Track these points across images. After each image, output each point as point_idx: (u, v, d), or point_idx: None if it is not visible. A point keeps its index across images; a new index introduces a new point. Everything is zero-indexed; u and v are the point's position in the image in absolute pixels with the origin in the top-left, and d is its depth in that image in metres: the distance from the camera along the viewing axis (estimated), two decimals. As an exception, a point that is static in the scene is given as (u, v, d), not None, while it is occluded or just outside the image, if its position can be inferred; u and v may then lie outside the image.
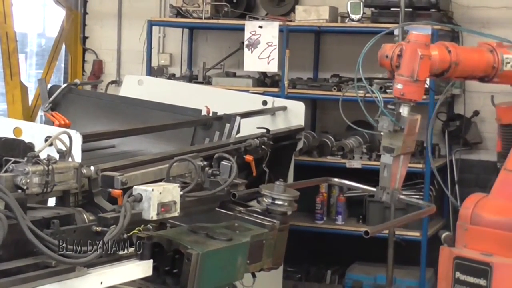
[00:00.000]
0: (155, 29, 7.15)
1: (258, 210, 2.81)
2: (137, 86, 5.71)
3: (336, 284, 6.58)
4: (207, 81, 6.75)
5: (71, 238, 2.27)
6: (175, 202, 2.52)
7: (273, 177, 4.97)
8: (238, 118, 4.85)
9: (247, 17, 6.64)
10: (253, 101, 5.59)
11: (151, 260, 2.49)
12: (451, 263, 3.56)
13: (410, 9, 6.11)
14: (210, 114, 4.94)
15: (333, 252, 6.73)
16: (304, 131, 5.70)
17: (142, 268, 2.47)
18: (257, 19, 6.59)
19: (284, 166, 5.51)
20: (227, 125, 4.83)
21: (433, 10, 6.21)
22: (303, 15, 6.46)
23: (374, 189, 3.76)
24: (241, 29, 6.41)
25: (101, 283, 2.32)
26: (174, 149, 4.45)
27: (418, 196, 6.26)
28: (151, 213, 2.46)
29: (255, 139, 4.55)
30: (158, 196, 2.46)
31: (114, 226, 2.36)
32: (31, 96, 7.11)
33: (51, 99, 5.18)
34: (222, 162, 2.93)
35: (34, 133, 3.27)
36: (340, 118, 6.98)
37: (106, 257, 2.39)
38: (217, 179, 2.93)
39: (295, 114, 5.56)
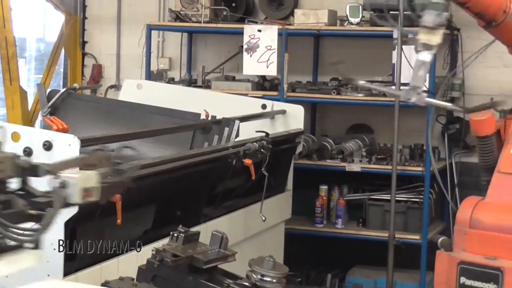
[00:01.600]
0: (154, 33, 7.15)
1: (247, 284, 2.82)
2: (137, 91, 5.72)
3: (336, 287, 6.57)
4: (206, 85, 6.75)
5: (12, 221, 2.53)
6: (95, 188, 2.76)
7: (272, 181, 4.98)
8: (237, 122, 4.85)
9: (246, 21, 6.64)
10: (252, 105, 5.59)
11: (42, 250, 2.62)
12: (454, 268, 3.53)
13: (409, 12, 6.09)
14: (209, 118, 4.94)
15: (333, 255, 6.72)
16: (304, 134, 5.70)
17: (32, 257, 2.61)
18: (256, 23, 6.59)
19: (283, 169, 5.51)
20: (226, 129, 4.83)
21: (432, 13, 6.19)
22: (302, 19, 6.46)
23: (399, 91, 3.69)
24: (240, 33, 6.42)
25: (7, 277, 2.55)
26: (173, 153, 4.46)
27: (417, 200, 6.26)
28: (76, 198, 2.68)
29: (254, 143, 4.55)
30: (81, 182, 2.69)
31: (49, 208, 2.60)
32: (30, 101, 7.11)
33: (50, 103, 5.18)
34: (213, 232, 2.96)
35: (32, 138, 3.27)
36: (340, 121, 7.05)
37: None
38: (120, 167, 3.05)
39: (294, 117, 5.55)
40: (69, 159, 3.02)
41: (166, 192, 4.09)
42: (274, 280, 2.81)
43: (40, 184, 2.76)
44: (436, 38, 3.58)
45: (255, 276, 2.80)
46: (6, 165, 2.64)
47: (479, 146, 4.21)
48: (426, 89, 5.99)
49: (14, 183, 2.73)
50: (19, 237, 2.53)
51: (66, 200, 2.69)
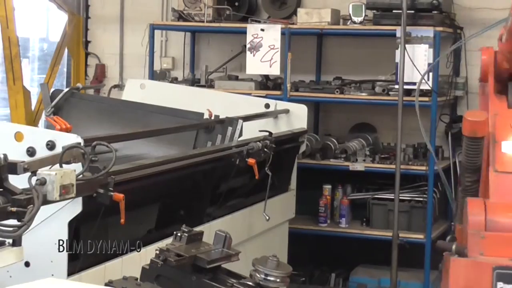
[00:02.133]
0: (157, 33, 7.15)
1: (251, 284, 2.81)
2: (140, 90, 5.71)
3: (340, 287, 6.57)
4: (209, 85, 6.75)
5: None
6: (72, 185, 2.86)
7: (275, 181, 4.98)
8: (240, 121, 4.85)
9: (249, 20, 6.64)
10: (256, 104, 5.59)
11: (22, 246, 2.70)
12: (485, 274, 3.49)
13: (412, 11, 6.10)
14: (213, 118, 4.94)
15: (337, 255, 6.72)
16: (307, 134, 5.70)
17: (15, 254, 2.69)
18: (259, 22, 6.59)
19: (287, 169, 5.51)
20: (230, 129, 4.82)
21: (435, 12, 6.20)
22: (305, 18, 6.45)
23: None
24: (243, 32, 6.41)
25: None
26: (176, 152, 4.46)
27: (421, 199, 6.26)
28: (55, 195, 2.77)
29: (258, 142, 4.55)
30: (59, 179, 2.78)
31: (31, 205, 2.67)
32: (34, 101, 7.11)
33: (53, 103, 5.17)
34: (217, 232, 2.96)
35: (36, 137, 3.27)
36: (343, 121, 7.04)
37: None
38: (96, 164, 3.17)
39: (297, 117, 5.55)
40: (45, 156, 3.07)
41: (170, 191, 4.09)
42: (278, 280, 2.81)
43: (17, 182, 2.79)
44: None
45: (258, 275, 2.80)
46: None
47: (470, 146, 4.19)
48: (429, 88, 6.01)
49: None
50: (2, 233, 2.57)
51: (46, 197, 2.75)
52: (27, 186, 2.77)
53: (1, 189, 2.74)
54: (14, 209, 2.69)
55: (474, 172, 3.99)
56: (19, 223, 2.63)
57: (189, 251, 2.80)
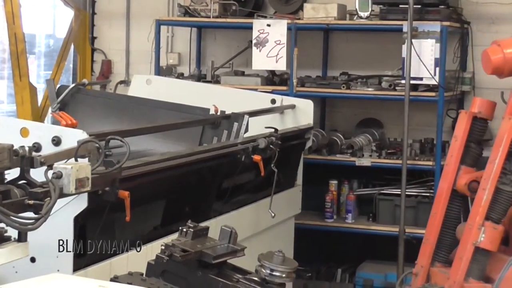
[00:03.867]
0: (163, 28, 7.15)
1: (256, 279, 2.81)
2: (146, 86, 5.71)
3: (346, 282, 6.56)
4: (215, 80, 6.74)
5: (11, 211, 2.61)
6: (88, 178, 2.89)
7: (281, 177, 4.97)
8: (246, 117, 4.84)
9: (255, 15, 6.63)
10: (262, 99, 5.58)
11: (27, 242, 2.71)
12: None
13: (419, 6, 6.08)
14: (219, 113, 4.93)
15: (343, 250, 6.71)
16: (313, 129, 5.69)
17: (21, 250, 2.70)
18: (265, 17, 6.57)
19: (292, 165, 5.50)
20: (235, 124, 4.81)
21: (442, 6, 6.18)
22: (311, 13, 6.44)
23: None
24: (249, 27, 6.40)
25: None
26: (182, 148, 4.46)
27: (428, 194, 6.24)
28: (71, 188, 2.80)
29: (264, 139, 4.53)
30: (75, 173, 2.81)
31: (48, 198, 2.71)
32: (40, 97, 7.12)
33: (59, 99, 5.17)
34: (222, 227, 2.95)
35: (41, 133, 3.27)
36: (349, 116, 7.03)
37: None
38: (110, 159, 3.17)
39: (304, 112, 5.54)
40: (61, 150, 3.08)
41: (175, 187, 4.08)
42: (284, 275, 2.81)
43: (37, 175, 2.83)
44: None
45: (264, 270, 2.80)
46: (3, 155, 2.70)
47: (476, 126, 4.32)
48: (436, 83, 5.99)
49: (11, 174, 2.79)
50: (21, 226, 2.59)
51: (62, 190, 2.78)
52: (43, 179, 2.81)
53: (23, 181, 2.79)
54: (31, 201, 2.73)
55: None
56: (36, 215, 2.67)
57: (194, 247, 2.80)
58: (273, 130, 4.74)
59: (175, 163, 3.85)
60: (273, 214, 4.79)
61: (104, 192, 3.22)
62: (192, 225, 2.89)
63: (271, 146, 4.55)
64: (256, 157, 4.41)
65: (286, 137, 4.95)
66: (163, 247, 2.81)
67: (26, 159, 2.81)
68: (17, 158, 2.79)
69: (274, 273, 2.80)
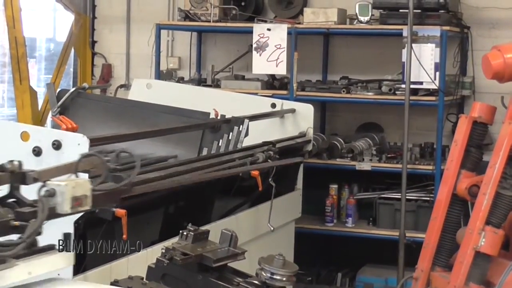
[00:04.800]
0: (163, 32, 7.16)
1: (257, 283, 2.80)
2: (146, 90, 5.72)
3: (347, 286, 6.56)
4: (216, 84, 6.74)
5: None
6: (86, 196, 2.58)
7: (280, 190, 4.95)
8: (246, 121, 4.84)
9: (256, 20, 6.64)
10: (262, 104, 5.58)
11: (72, 252, 2.55)
12: None
13: (419, 11, 6.08)
14: (219, 117, 4.93)
15: (343, 254, 6.71)
16: (314, 133, 5.69)
17: (65, 258, 2.53)
18: (265, 21, 6.58)
19: (291, 179, 5.48)
20: (236, 128, 4.82)
21: (442, 11, 6.19)
22: (312, 17, 6.44)
23: None
24: (250, 32, 6.41)
25: (29, 273, 2.39)
26: (183, 152, 4.46)
27: (428, 198, 6.24)
28: (65, 207, 2.51)
29: (261, 153, 4.52)
30: (71, 191, 2.52)
31: (33, 220, 2.42)
32: (40, 101, 7.12)
33: (60, 103, 5.18)
34: (223, 230, 2.94)
35: (42, 137, 3.27)
36: (350, 120, 7.03)
37: (30, 249, 2.44)
38: (119, 173, 3.01)
39: (304, 116, 5.55)
40: (60, 165, 2.91)
41: (175, 194, 4.08)
42: (284, 279, 2.80)
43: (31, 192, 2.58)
44: None
45: (264, 274, 2.79)
46: None
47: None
48: (436, 87, 6.00)
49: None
50: None
51: (55, 210, 2.53)
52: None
53: (11, 200, 2.54)
54: (17, 223, 2.45)
55: None
56: (16, 240, 2.39)
57: (195, 250, 2.79)
58: (270, 144, 4.73)
59: (174, 170, 3.84)
60: (272, 228, 4.80)
61: (100, 211, 3.18)
62: (192, 229, 2.88)
63: (269, 160, 4.54)
64: (254, 172, 4.39)
65: (284, 150, 4.94)
66: (163, 251, 2.80)
67: (16, 175, 2.56)
68: (4, 174, 2.55)
69: (274, 276, 2.80)
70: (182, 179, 3.83)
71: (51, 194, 2.51)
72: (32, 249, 2.47)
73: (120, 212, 3.18)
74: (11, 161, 2.61)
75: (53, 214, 2.50)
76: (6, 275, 2.31)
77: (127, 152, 2.95)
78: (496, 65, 4.21)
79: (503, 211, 4.06)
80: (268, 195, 4.85)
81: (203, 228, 2.96)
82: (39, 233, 2.45)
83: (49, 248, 2.51)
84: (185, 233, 2.88)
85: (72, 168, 2.77)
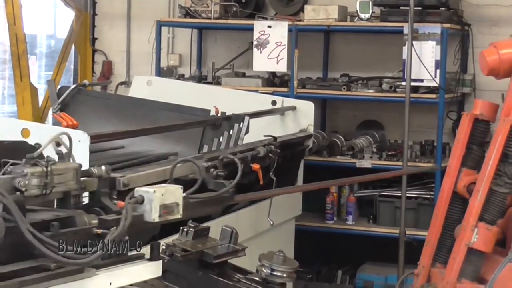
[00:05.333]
0: (164, 29, 7.15)
1: (257, 279, 2.80)
2: (146, 87, 5.71)
3: (347, 284, 6.56)
4: (216, 82, 6.74)
5: (71, 240, 2.22)
6: (177, 204, 2.46)
7: (281, 185, 4.94)
8: (247, 118, 4.84)
9: (256, 17, 6.63)
10: (262, 101, 5.58)
11: (160, 261, 2.47)
12: None
13: (420, 8, 6.08)
14: (219, 114, 4.93)
15: (343, 252, 6.71)
16: (314, 131, 5.69)
17: (151, 269, 2.45)
18: (266, 19, 6.58)
19: (291, 173, 5.48)
20: (236, 125, 4.81)
21: (443, 8, 6.18)
22: (312, 15, 6.44)
23: None
24: (250, 29, 6.40)
25: (110, 284, 2.30)
26: (184, 149, 4.45)
27: (428, 196, 6.25)
28: (153, 215, 2.41)
29: (262, 147, 4.52)
30: (160, 198, 2.41)
31: (114, 228, 2.32)
32: (41, 98, 7.12)
33: (60, 100, 5.18)
34: (223, 227, 2.92)
35: (42, 134, 3.26)
36: (350, 118, 7.03)
37: (114, 258, 2.38)
38: (222, 180, 2.90)
39: (304, 114, 5.54)
40: (152, 170, 2.78)
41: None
42: (284, 275, 2.81)
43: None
44: None
45: (265, 270, 2.80)
46: (67, 176, 2.37)
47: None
48: (437, 84, 6.00)
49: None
50: (67, 259, 2.17)
51: (142, 218, 2.41)
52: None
53: (97, 207, 2.48)
54: (99, 231, 2.34)
55: None
56: (94, 248, 2.26)
57: (195, 246, 2.79)
58: (271, 138, 4.72)
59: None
60: (271, 222, 4.80)
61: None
62: (193, 225, 2.88)
63: (270, 154, 4.54)
64: (255, 166, 4.39)
65: (285, 145, 4.93)
66: (163, 247, 2.79)
67: (103, 180, 2.49)
68: (91, 179, 2.49)
69: (275, 272, 2.80)
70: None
71: (139, 201, 2.40)
72: (119, 258, 2.37)
73: (121, 204, 3.15)
74: (99, 166, 2.54)
75: (139, 222, 2.39)
76: (84, 285, 2.22)
77: (230, 158, 2.69)
78: (491, 61, 4.21)
79: (496, 208, 4.05)
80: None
81: (204, 225, 2.97)
82: (124, 242, 2.34)
83: (138, 257, 2.42)
84: (185, 229, 2.87)
85: (165, 174, 2.69)
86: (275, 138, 4.74)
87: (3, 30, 7.09)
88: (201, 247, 2.80)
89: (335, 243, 6.71)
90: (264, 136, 4.79)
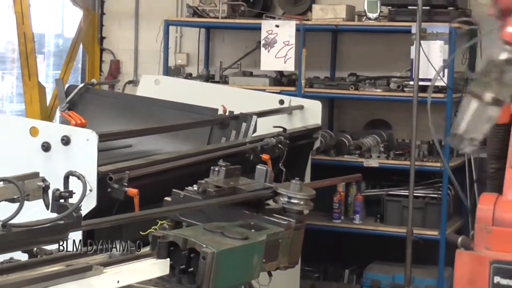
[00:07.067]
0: (172, 29, 7.16)
1: (275, 208, 2.78)
2: (154, 86, 5.72)
3: (354, 283, 6.56)
4: (224, 81, 6.75)
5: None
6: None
7: (290, 177, 4.96)
8: (254, 117, 4.84)
9: (264, 16, 6.63)
10: (270, 100, 5.58)
11: (168, 259, 2.49)
12: (484, 268, 3.49)
13: (428, 7, 6.07)
14: (227, 114, 4.94)
15: (350, 251, 6.71)
16: (321, 130, 5.69)
17: (159, 267, 2.47)
18: (273, 18, 6.58)
19: (301, 165, 5.49)
20: (244, 124, 4.82)
21: (451, 8, 6.18)
22: (320, 14, 6.44)
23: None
24: (258, 28, 6.41)
25: (118, 281, 2.32)
26: (190, 148, 4.46)
27: (436, 195, 6.24)
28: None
29: (272, 138, 4.54)
30: None
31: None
32: (49, 97, 7.14)
33: (68, 99, 5.19)
34: (258, 166, 2.92)
35: (51, 132, 3.28)
36: (358, 117, 7.02)
37: (122, 256, 2.40)
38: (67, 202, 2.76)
39: (312, 113, 5.54)
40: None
41: (183, 186, 4.08)
42: (302, 202, 2.79)
43: None
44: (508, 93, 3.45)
45: (282, 199, 2.78)
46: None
47: (492, 132, 4.23)
48: (445, 84, 5.99)
49: None
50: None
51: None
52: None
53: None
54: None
55: (498, 159, 3.97)
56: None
57: (228, 183, 2.77)
58: (281, 129, 4.74)
59: (183, 162, 3.85)
60: None
61: (113, 190, 3.19)
62: (223, 164, 2.86)
63: (279, 145, 4.55)
64: (265, 156, 4.41)
65: (294, 136, 4.95)
66: (196, 187, 2.76)
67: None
68: None
69: (292, 200, 2.78)
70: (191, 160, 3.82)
71: None
72: (128, 256, 2.43)
73: (132, 191, 3.18)
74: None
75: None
76: (92, 283, 2.25)
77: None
78: None
79: None
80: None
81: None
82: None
83: (145, 255, 2.47)
84: (216, 169, 2.85)
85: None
86: (284, 129, 4.75)
87: (11, 29, 7.10)
88: (233, 184, 2.78)
89: (342, 242, 6.71)
90: (273, 127, 4.80)
